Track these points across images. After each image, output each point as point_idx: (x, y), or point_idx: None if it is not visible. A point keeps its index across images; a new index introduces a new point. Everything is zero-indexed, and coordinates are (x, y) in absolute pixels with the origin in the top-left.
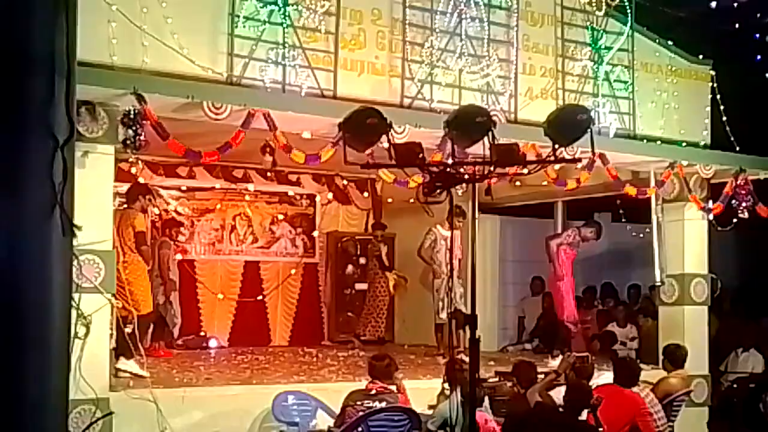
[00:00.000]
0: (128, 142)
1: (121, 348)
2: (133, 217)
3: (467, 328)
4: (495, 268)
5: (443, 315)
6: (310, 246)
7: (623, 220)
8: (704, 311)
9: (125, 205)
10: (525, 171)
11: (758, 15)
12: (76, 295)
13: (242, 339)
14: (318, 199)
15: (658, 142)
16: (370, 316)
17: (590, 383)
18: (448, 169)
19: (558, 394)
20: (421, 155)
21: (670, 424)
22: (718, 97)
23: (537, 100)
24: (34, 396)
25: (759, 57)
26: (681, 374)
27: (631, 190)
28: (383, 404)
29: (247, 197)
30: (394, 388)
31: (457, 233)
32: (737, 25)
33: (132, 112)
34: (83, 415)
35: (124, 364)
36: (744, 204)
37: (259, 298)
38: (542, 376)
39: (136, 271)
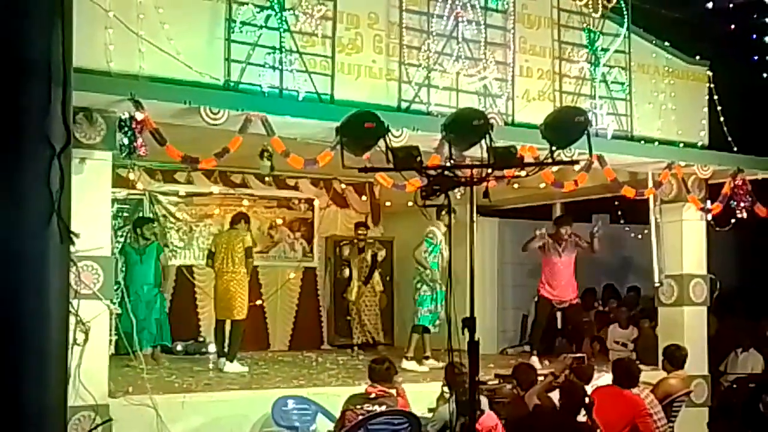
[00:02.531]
0: (126, 148)
1: (222, 352)
2: (243, 235)
3: (466, 330)
4: (493, 270)
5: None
6: (309, 250)
7: (621, 221)
8: (703, 312)
9: (229, 227)
10: (523, 173)
11: (755, 15)
12: (74, 302)
13: (242, 344)
14: (316, 203)
15: (656, 143)
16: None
17: (590, 385)
18: (446, 173)
19: (558, 395)
20: (418, 158)
21: (670, 424)
22: (716, 97)
23: (534, 102)
24: (33, 403)
25: (756, 57)
26: (681, 375)
27: (629, 192)
28: (383, 408)
29: (245, 202)
30: (393, 391)
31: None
32: (734, 26)
33: (129, 118)
34: (83, 422)
35: (228, 366)
36: (742, 204)
37: (258, 302)
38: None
39: (241, 281)
